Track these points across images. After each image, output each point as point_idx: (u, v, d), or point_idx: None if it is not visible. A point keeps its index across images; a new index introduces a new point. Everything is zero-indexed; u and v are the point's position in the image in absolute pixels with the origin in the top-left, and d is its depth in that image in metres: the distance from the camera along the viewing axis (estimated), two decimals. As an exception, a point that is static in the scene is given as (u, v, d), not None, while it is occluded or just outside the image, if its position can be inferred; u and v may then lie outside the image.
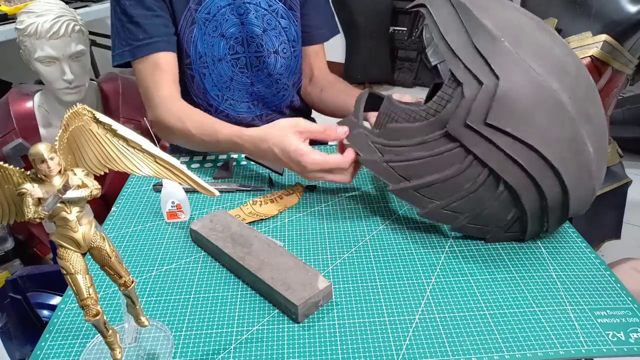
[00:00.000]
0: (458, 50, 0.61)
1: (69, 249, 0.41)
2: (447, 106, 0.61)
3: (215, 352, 0.53)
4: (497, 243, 0.68)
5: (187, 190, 0.82)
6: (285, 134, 0.73)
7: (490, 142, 0.59)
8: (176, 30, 0.95)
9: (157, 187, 0.83)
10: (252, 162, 0.91)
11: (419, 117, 0.65)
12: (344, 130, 0.72)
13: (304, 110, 1.14)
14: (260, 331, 0.56)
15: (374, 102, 0.78)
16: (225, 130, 0.82)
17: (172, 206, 0.74)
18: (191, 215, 0.76)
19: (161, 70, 0.91)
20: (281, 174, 0.87)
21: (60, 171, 0.40)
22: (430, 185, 0.65)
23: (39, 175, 0.39)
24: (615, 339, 0.53)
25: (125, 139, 0.43)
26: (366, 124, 0.78)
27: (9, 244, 1.42)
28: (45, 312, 1.05)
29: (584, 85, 0.61)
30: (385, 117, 0.70)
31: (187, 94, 1.01)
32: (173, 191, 0.73)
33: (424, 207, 0.67)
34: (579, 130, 0.58)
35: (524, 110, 0.57)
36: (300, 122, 0.74)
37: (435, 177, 0.64)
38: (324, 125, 0.74)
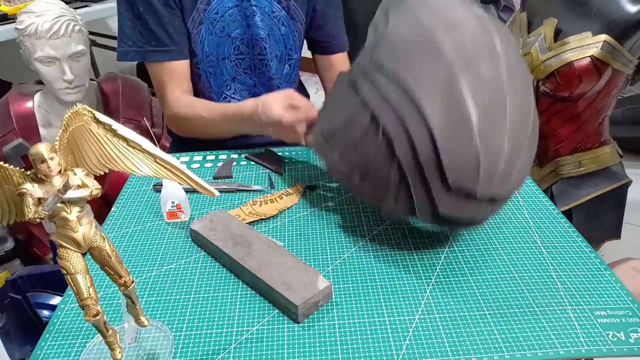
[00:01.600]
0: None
1: (69, 249, 0.41)
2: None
3: (215, 352, 0.53)
4: (496, 243, 0.69)
5: (187, 190, 0.82)
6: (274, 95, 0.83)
7: (374, 82, 0.61)
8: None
9: (157, 187, 0.83)
10: (252, 162, 0.91)
11: None
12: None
13: None
14: (260, 331, 0.56)
15: None
16: (231, 106, 0.90)
17: (172, 206, 0.74)
18: (191, 215, 0.76)
19: (174, 76, 0.96)
20: (281, 174, 0.87)
21: (60, 171, 0.40)
22: (333, 133, 0.68)
23: (39, 175, 0.39)
24: (615, 339, 0.53)
25: (125, 139, 0.43)
26: None
27: (9, 244, 1.42)
28: (45, 312, 1.05)
29: (478, 44, 0.59)
30: None
31: (193, 92, 1.02)
32: (173, 191, 0.73)
33: (329, 162, 0.69)
34: (457, 77, 0.56)
35: (405, 49, 0.60)
36: (290, 91, 0.84)
37: (337, 124, 0.67)
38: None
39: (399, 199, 0.62)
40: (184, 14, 0.94)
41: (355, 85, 0.64)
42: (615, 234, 1.41)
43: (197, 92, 1.03)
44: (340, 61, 1.12)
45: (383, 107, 0.59)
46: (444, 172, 0.56)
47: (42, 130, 1.33)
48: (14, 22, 1.25)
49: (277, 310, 0.58)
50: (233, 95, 1.03)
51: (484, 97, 0.56)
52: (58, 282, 1.06)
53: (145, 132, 1.36)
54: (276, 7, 0.99)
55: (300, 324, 0.56)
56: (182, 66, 0.97)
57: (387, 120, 0.59)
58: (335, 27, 1.09)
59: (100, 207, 1.18)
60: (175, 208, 0.74)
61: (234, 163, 0.91)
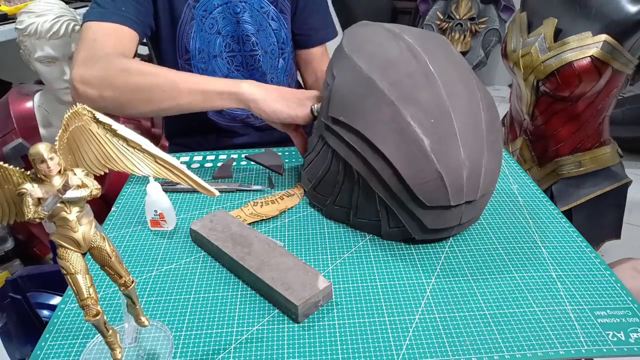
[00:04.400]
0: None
1: (69, 249, 0.41)
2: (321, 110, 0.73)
3: (215, 352, 0.53)
4: (496, 243, 0.69)
5: (187, 191, 0.82)
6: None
7: (336, 134, 0.67)
8: (177, 26, 0.95)
9: (157, 187, 0.83)
10: (252, 162, 0.91)
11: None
12: None
13: None
14: (260, 331, 0.56)
15: None
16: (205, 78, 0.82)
17: (154, 215, 0.72)
18: (191, 215, 0.76)
19: (121, 38, 0.87)
20: (281, 174, 0.87)
21: (60, 171, 0.39)
22: (320, 182, 0.73)
23: (38, 175, 0.39)
24: (615, 339, 0.53)
25: (125, 139, 0.43)
26: None
27: (9, 244, 1.42)
28: (45, 312, 1.05)
29: (413, 75, 0.64)
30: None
31: None
32: (157, 200, 0.71)
33: (324, 206, 0.74)
34: (401, 112, 0.61)
35: (352, 100, 0.66)
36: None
37: (320, 174, 0.73)
38: None
39: (392, 223, 0.68)
40: (175, 10, 0.94)
41: (324, 139, 0.71)
42: (615, 234, 1.41)
43: None
44: (319, 57, 1.10)
45: (349, 153, 0.66)
46: (417, 197, 0.61)
47: (42, 130, 1.33)
48: (14, 22, 1.25)
49: (277, 310, 0.58)
50: None
51: (429, 120, 0.61)
52: (58, 282, 1.06)
53: (145, 132, 1.36)
54: (265, 2, 0.99)
55: (300, 324, 0.56)
56: (132, 36, 0.88)
57: (355, 164, 0.65)
58: (316, 19, 1.08)
59: (100, 207, 1.18)
60: (158, 217, 0.72)
61: (234, 163, 0.91)
